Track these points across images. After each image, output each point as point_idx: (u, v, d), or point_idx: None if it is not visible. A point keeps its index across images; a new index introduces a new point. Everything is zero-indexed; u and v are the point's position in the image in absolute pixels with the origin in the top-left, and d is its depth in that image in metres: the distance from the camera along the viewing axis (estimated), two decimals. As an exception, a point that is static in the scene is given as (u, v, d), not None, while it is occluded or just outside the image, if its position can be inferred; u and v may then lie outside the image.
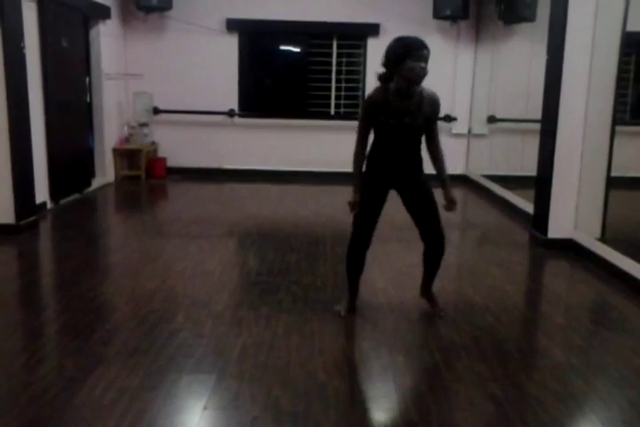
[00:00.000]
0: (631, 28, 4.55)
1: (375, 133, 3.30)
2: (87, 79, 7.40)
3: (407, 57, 3.04)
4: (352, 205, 3.33)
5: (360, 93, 8.52)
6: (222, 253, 5.00)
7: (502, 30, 7.48)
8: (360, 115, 3.33)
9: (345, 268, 3.55)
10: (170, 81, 8.24)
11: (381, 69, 3.18)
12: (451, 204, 3.37)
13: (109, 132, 7.86)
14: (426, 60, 3.09)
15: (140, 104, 8.11)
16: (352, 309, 3.54)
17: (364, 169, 3.35)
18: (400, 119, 3.18)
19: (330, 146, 8.21)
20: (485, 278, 4.38)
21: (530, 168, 5.50)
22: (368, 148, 3.35)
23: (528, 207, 5.78)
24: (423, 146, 3.36)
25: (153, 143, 8.35)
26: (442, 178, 3.38)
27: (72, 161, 6.77)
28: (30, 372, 2.79)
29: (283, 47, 8.99)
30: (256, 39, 8.58)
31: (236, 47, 8.34)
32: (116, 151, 8.02)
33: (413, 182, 3.36)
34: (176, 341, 3.12)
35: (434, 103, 3.25)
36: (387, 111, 3.17)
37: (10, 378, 2.73)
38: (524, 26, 6.89)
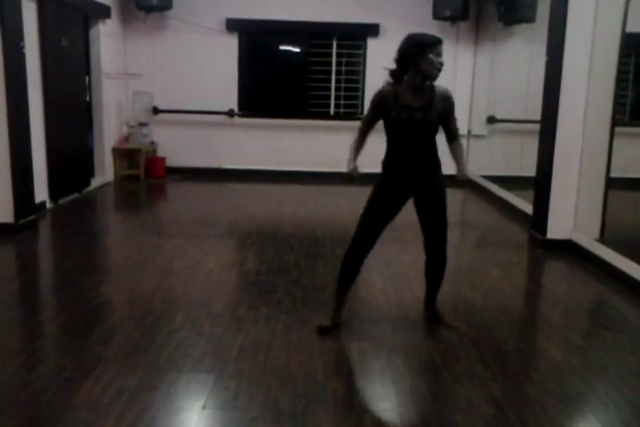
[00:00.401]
0: (631, 29, 4.56)
1: (388, 134, 3.23)
2: (87, 79, 7.40)
3: (427, 51, 3.02)
4: (350, 176, 3.21)
5: (360, 94, 8.53)
6: (221, 252, 5.01)
7: (502, 31, 7.49)
8: (369, 107, 3.26)
9: (338, 273, 3.35)
10: (169, 81, 8.24)
11: (392, 66, 3.13)
12: (463, 178, 3.30)
13: (109, 131, 7.86)
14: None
15: (140, 104, 8.11)
16: (337, 322, 3.32)
17: (380, 171, 3.29)
18: (411, 115, 3.12)
19: (329, 146, 8.21)
20: (484, 279, 4.38)
21: (529, 169, 5.51)
22: (382, 152, 3.27)
23: (527, 208, 5.78)
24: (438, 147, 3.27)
25: (152, 143, 8.34)
26: (459, 162, 3.32)
27: (71, 160, 6.77)
28: (29, 371, 2.78)
29: (282, 47, 8.99)
30: (256, 39, 8.59)
31: (235, 47, 8.35)
32: (115, 151, 8.02)
33: (430, 189, 3.26)
34: (175, 340, 3.12)
35: (446, 98, 3.16)
36: (397, 106, 3.11)
37: (9, 377, 2.73)
38: (524, 27, 6.90)
